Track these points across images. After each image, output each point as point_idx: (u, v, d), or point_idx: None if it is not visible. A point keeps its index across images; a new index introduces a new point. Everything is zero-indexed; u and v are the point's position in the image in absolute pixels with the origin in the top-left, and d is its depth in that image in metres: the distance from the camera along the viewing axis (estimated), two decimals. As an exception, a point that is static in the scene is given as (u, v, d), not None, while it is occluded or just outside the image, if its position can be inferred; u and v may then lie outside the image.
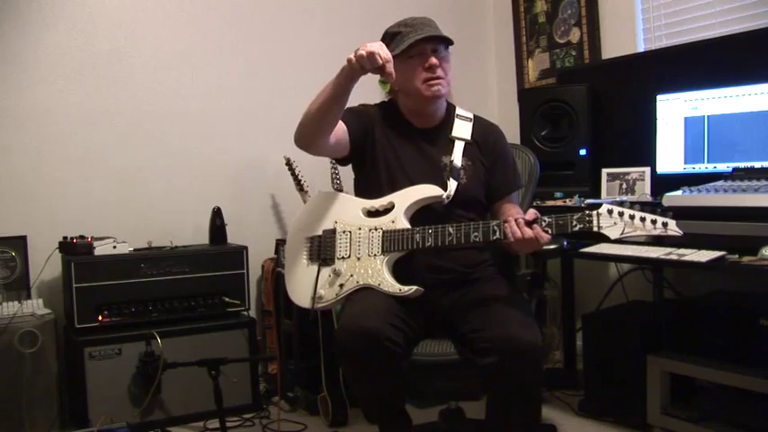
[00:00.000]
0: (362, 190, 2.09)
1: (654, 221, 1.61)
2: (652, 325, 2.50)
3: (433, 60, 1.95)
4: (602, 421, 2.58)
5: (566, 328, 3.07)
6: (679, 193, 2.20)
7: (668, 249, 2.16)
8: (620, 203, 1.67)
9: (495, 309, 1.81)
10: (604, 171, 2.74)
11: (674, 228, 1.61)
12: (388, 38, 2.00)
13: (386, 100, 2.14)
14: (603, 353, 2.57)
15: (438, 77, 1.96)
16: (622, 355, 2.49)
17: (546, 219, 1.71)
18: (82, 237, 2.66)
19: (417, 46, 1.94)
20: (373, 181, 2.04)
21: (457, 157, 2.01)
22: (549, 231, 1.70)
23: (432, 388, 1.92)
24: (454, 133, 2.05)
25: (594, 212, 1.67)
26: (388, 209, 1.96)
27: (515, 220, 1.72)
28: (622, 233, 1.64)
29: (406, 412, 1.93)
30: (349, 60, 1.76)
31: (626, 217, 1.64)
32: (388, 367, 1.73)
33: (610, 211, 1.65)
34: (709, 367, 2.25)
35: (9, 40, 2.75)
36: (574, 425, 2.59)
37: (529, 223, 1.71)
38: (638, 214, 1.63)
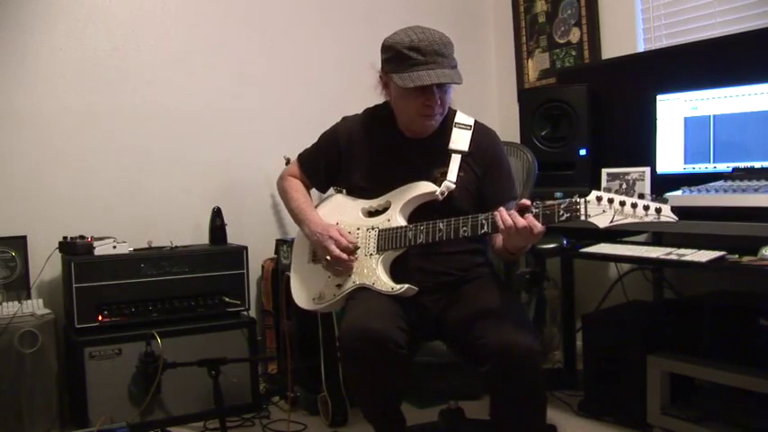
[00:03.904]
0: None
1: (646, 207, 1.50)
2: (652, 325, 2.50)
3: (435, 99, 1.85)
4: (602, 421, 2.58)
5: (566, 328, 3.07)
6: (679, 193, 2.20)
7: (668, 249, 2.16)
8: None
9: (490, 314, 1.78)
10: (604, 171, 2.74)
11: (668, 213, 1.49)
12: (395, 57, 1.84)
13: (383, 102, 2.07)
14: (603, 353, 2.57)
15: (434, 114, 1.89)
16: (622, 355, 2.49)
17: (533, 209, 1.64)
18: (82, 237, 2.66)
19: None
20: (357, 193, 2.04)
21: (452, 172, 1.93)
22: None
23: (432, 388, 1.92)
24: (452, 145, 1.96)
25: (582, 200, 1.57)
26: (386, 208, 1.96)
27: (507, 210, 1.65)
28: (612, 221, 1.54)
29: (401, 412, 1.92)
30: (314, 241, 1.98)
31: (616, 204, 1.53)
32: (391, 369, 1.72)
33: (599, 198, 1.55)
34: (710, 367, 2.25)
35: (8, 39, 2.75)
36: (574, 425, 2.59)
37: (521, 212, 1.64)
38: (628, 200, 1.52)
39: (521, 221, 1.62)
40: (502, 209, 1.67)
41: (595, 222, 1.56)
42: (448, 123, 1.99)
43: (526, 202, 1.66)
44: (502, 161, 2.03)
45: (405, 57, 1.81)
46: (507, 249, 1.80)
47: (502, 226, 1.65)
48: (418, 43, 1.80)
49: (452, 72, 1.82)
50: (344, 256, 1.90)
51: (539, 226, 1.62)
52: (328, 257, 1.92)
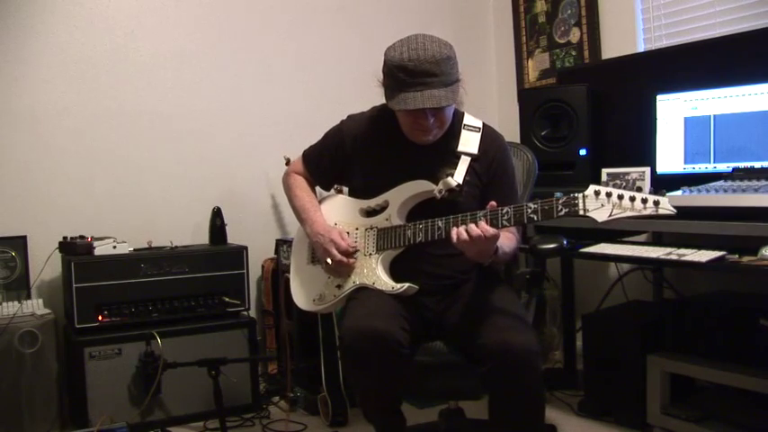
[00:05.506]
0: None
1: (644, 200, 1.50)
2: (652, 325, 2.50)
3: (427, 120, 1.82)
4: (602, 421, 2.58)
5: (566, 328, 3.07)
6: (679, 193, 2.20)
7: (668, 249, 2.16)
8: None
9: (490, 314, 1.78)
10: (604, 171, 2.74)
11: (666, 206, 1.49)
12: (387, 73, 1.81)
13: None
14: (603, 353, 2.57)
15: (429, 131, 1.86)
16: (622, 355, 2.49)
17: (532, 205, 1.65)
18: (82, 237, 2.66)
19: None
20: (360, 194, 2.04)
21: (460, 173, 1.90)
22: (536, 218, 1.64)
23: (432, 388, 1.92)
24: (461, 147, 1.93)
25: (580, 195, 1.57)
26: (384, 207, 1.95)
27: (462, 223, 1.70)
28: (610, 215, 1.53)
29: (401, 412, 1.92)
30: (315, 242, 1.97)
31: (614, 197, 1.53)
32: (394, 368, 1.72)
33: (597, 193, 1.55)
34: (710, 367, 2.25)
35: (9, 39, 2.75)
36: (574, 425, 2.59)
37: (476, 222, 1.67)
38: (626, 194, 1.52)
39: (474, 231, 1.65)
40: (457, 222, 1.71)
41: (594, 216, 1.56)
42: (456, 126, 1.95)
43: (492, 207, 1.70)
44: (507, 170, 2.00)
45: (394, 76, 1.77)
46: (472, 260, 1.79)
47: (456, 240, 1.68)
48: (407, 62, 1.74)
49: (443, 92, 1.75)
50: (345, 259, 1.89)
51: (489, 230, 1.65)
52: (329, 260, 1.92)
